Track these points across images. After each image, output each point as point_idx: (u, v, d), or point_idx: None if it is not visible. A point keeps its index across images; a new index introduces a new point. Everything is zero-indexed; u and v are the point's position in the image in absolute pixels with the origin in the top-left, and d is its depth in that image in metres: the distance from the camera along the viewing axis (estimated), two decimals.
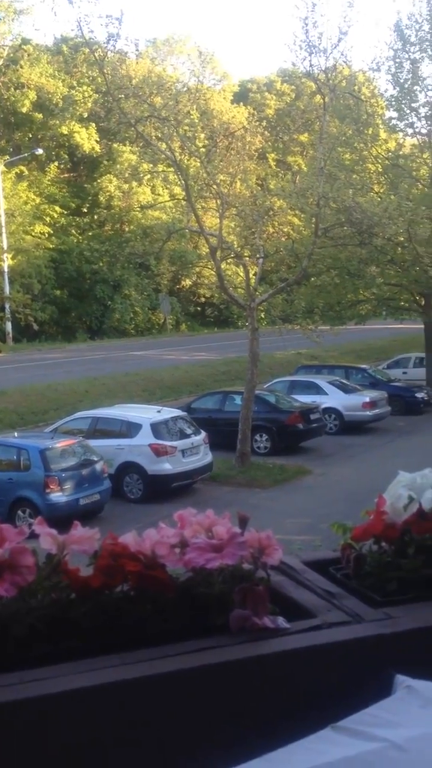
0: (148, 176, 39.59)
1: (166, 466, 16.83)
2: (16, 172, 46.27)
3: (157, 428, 17.33)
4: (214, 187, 20.27)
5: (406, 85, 29.85)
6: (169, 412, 18.68)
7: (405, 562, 1.59)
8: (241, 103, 48.87)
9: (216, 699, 1.30)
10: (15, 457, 15.30)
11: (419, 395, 27.20)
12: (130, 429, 17.47)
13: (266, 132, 30.79)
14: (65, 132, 48.85)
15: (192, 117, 21.43)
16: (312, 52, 20.18)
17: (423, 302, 29.76)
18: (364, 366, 30.30)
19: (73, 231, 50.19)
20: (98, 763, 1.23)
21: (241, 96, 56.92)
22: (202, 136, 22.56)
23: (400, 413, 25.56)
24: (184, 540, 1.50)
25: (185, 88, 23.75)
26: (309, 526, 13.29)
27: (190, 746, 1.28)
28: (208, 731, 1.29)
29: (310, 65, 20.53)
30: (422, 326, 31.35)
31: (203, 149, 20.96)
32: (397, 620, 1.43)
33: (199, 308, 54.59)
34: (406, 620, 1.43)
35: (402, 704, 1.15)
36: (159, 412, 18.61)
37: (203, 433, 17.97)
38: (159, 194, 46.17)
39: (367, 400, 24.11)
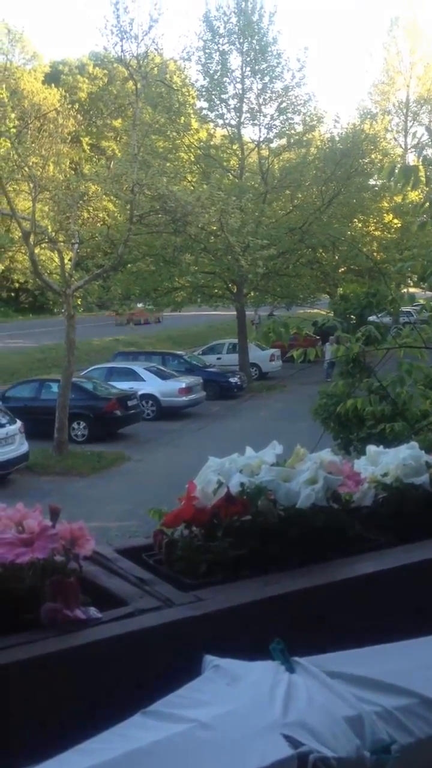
0: None
1: None
2: None
3: None
4: (26, 169, 19.74)
5: (216, 76, 30.52)
6: None
7: (214, 545, 1.63)
8: (53, 85, 47.74)
9: (28, 694, 1.28)
10: None
11: (233, 380, 28.04)
12: None
13: (79, 115, 30.37)
14: None
15: (1, 96, 20.68)
16: (123, 37, 20.18)
17: (235, 290, 30.62)
18: (179, 352, 30.71)
19: None
20: None
21: (53, 77, 55.51)
22: (13, 116, 21.83)
23: (214, 398, 26.22)
24: None
25: None
26: (127, 513, 13.32)
27: (2, 743, 1.25)
28: (20, 727, 1.27)
29: (122, 51, 20.53)
30: (235, 313, 32.26)
31: (14, 129, 20.31)
32: (206, 602, 1.47)
33: (13, 294, 52.99)
34: (215, 601, 1.47)
35: (210, 683, 1.18)
36: None
37: (19, 423, 17.50)
38: None
39: (183, 385, 24.49)
